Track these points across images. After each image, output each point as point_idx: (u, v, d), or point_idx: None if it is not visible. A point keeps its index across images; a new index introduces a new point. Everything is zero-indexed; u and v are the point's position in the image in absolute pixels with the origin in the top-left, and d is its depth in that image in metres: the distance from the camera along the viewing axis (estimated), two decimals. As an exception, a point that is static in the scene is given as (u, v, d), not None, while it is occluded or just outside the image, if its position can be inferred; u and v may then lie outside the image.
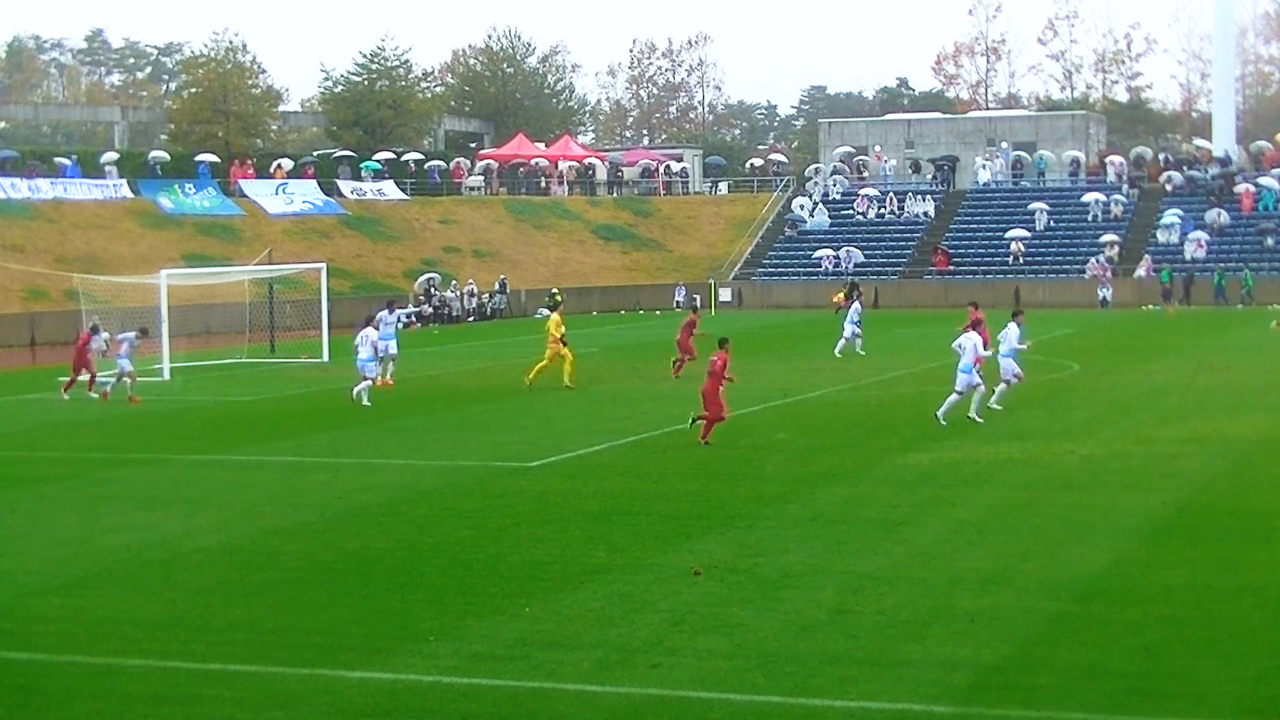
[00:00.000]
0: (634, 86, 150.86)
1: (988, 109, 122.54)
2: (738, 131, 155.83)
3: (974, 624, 14.88)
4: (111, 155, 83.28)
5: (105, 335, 49.45)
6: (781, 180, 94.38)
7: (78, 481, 25.17)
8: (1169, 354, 45.48)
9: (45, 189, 74.53)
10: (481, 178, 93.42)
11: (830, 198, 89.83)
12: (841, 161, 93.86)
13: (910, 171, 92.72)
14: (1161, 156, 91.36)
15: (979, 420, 29.43)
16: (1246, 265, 74.63)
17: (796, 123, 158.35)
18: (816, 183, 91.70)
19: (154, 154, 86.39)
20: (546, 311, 46.41)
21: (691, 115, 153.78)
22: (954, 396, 29.42)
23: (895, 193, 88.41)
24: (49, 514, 22.09)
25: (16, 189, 73.31)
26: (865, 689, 13.03)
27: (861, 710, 12.56)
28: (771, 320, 68.77)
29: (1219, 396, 33.89)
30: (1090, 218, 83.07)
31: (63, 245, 69.55)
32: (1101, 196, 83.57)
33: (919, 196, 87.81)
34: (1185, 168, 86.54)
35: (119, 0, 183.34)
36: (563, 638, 14.76)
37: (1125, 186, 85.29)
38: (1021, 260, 79.76)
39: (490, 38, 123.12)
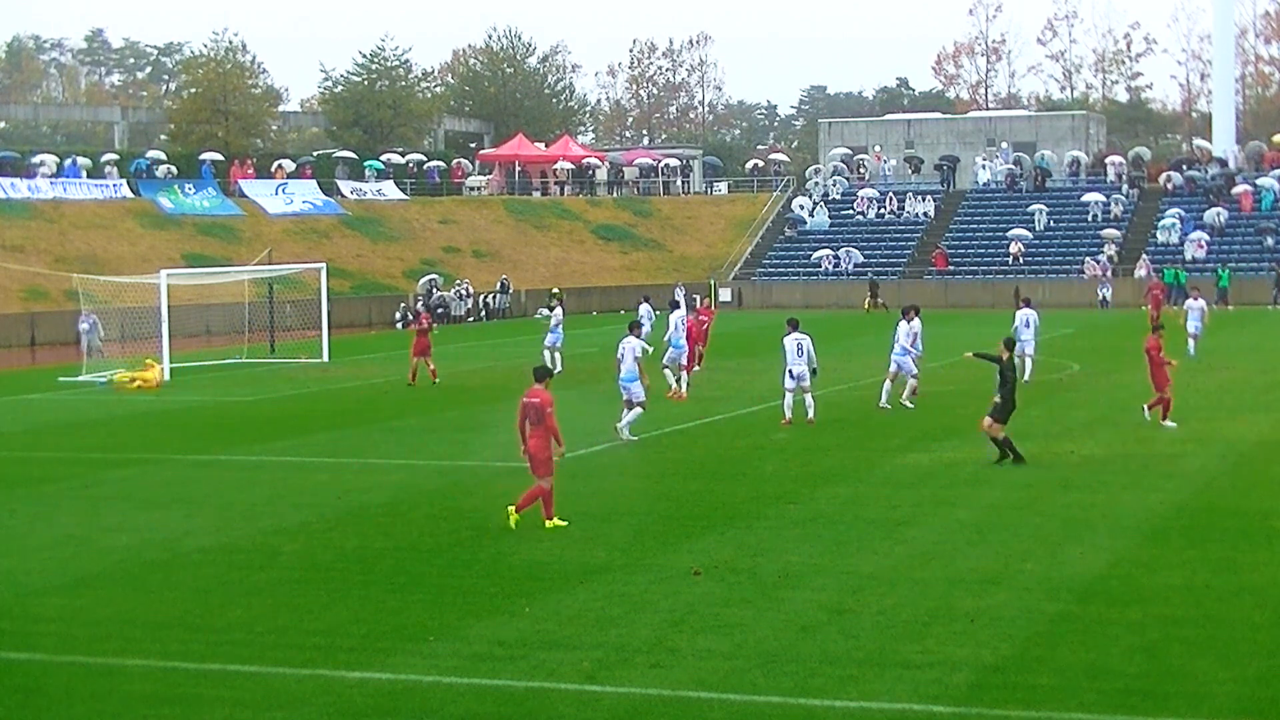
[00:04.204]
0: (634, 86, 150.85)
1: (988, 109, 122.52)
2: (738, 131, 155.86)
3: (974, 624, 14.88)
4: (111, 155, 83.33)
5: (102, 334, 49.55)
6: (781, 180, 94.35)
7: (78, 481, 25.15)
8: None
9: (45, 189, 74.53)
10: (483, 178, 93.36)
11: (830, 198, 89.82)
12: (841, 161, 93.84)
13: (910, 171, 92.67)
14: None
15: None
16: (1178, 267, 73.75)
17: (796, 123, 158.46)
18: (816, 183, 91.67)
19: (150, 153, 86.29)
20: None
21: (691, 115, 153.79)
22: None
23: (895, 193, 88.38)
24: (49, 514, 22.08)
25: (16, 189, 73.30)
26: (865, 689, 13.03)
27: (861, 710, 12.57)
28: (771, 320, 68.46)
29: (1219, 396, 33.89)
30: (1090, 218, 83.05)
31: (63, 245, 69.56)
32: (1101, 197, 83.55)
33: (919, 196, 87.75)
34: (1185, 168, 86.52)
35: (119, 0, 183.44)
36: (563, 638, 14.76)
37: (1125, 186, 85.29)
38: (1021, 260, 79.73)
39: (490, 38, 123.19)
